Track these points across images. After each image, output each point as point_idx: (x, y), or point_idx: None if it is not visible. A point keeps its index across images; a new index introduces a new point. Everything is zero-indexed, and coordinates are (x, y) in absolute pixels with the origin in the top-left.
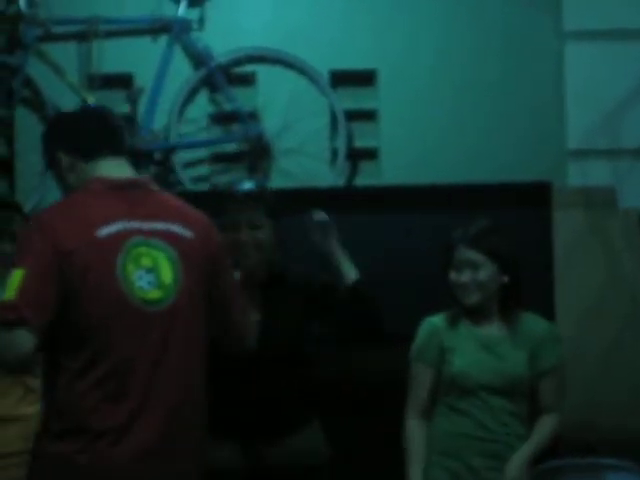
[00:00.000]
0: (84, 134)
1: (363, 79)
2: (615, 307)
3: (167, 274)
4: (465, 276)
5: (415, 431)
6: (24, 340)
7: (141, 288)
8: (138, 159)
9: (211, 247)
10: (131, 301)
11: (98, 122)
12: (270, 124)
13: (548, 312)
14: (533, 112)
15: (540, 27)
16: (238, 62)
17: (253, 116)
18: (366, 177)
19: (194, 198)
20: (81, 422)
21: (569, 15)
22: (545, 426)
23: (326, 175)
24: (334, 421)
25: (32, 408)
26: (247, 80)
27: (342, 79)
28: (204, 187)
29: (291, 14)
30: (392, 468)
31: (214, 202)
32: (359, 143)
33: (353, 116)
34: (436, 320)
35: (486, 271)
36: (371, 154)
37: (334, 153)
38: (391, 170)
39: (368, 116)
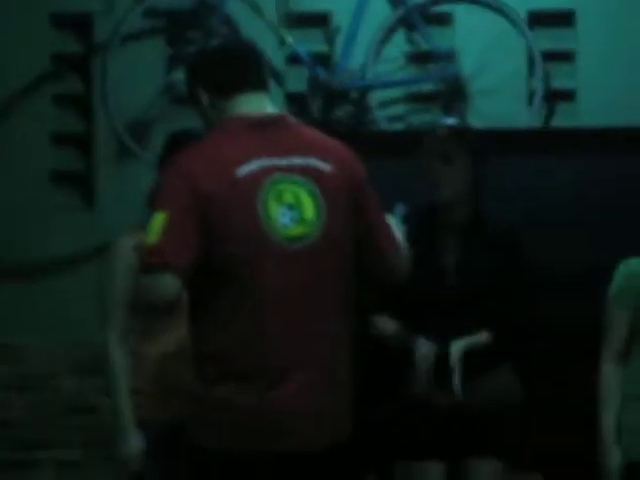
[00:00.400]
0: (222, 71)
1: (561, 19)
2: None
3: (309, 209)
4: None
5: (610, 376)
6: (168, 284)
7: (284, 225)
8: (334, 98)
9: (353, 179)
10: (274, 239)
11: (237, 58)
12: (467, 64)
13: None
14: None
15: None
16: (436, 1)
17: (450, 56)
18: (563, 118)
19: (390, 137)
20: (235, 365)
21: None
22: None
23: (523, 116)
24: (528, 366)
25: None
26: (444, 20)
27: (540, 19)
28: (399, 127)
29: None
30: (585, 413)
31: (412, 140)
32: (556, 84)
33: (550, 57)
34: (635, 263)
35: None
36: (568, 95)
37: (531, 94)
38: (589, 111)
39: (566, 57)
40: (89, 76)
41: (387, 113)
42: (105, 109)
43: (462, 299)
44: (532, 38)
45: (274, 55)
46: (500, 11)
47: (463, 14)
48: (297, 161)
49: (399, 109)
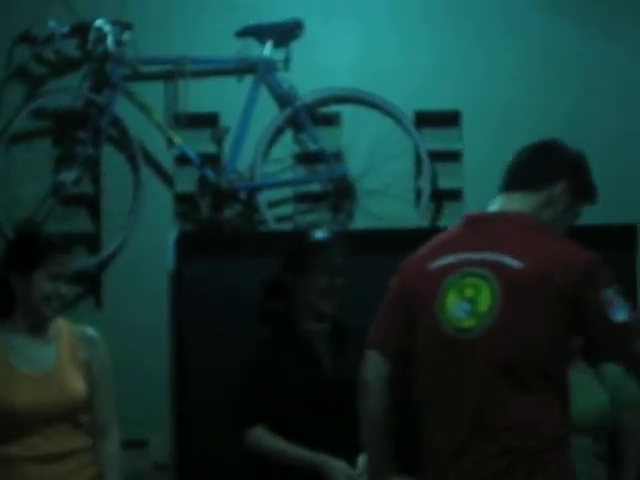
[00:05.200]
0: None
1: (447, 120)
2: None
3: (485, 303)
4: None
5: None
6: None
7: (458, 318)
8: (223, 198)
9: (557, 277)
10: (446, 331)
11: (523, 154)
12: (354, 165)
13: None
14: (619, 148)
15: (620, 59)
16: (323, 102)
17: (337, 156)
18: (450, 218)
19: (278, 237)
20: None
21: None
22: (626, 466)
23: (410, 216)
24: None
25: (81, 443)
26: (332, 120)
27: (426, 120)
28: (288, 226)
29: (376, 55)
30: None
31: (300, 242)
32: (443, 184)
33: (437, 157)
34: None
35: None
36: (455, 195)
37: (418, 194)
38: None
39: (452, 157)
40: None
41: (276, 213)
42: None
43: (345, 405)
44: (419, 138)
45: (163, 156)
46: (387, 111)
47: (350, 114)
48: (488, 256)
49: (287, 209)
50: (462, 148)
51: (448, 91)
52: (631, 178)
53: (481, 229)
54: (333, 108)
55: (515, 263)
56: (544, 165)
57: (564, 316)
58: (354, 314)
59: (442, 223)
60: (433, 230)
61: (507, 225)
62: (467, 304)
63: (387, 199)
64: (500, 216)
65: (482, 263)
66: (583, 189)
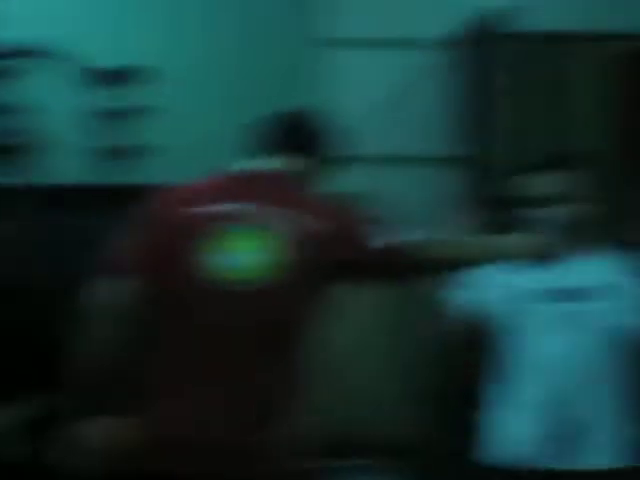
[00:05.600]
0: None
1: (132, 76)
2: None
3: (258, 258)
4: None
5: None
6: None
7: (228, 268)
8: None
9: (335, 237)
10: (207, 279)
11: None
12: (33, 119)
13: None
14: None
15: (296, 32)
16: (2, 55)
17: (17, 110)
18: (131, 175)
19: None
20: None
21: (336, 22)
22: None
23: (87, 172)
24: None
25: None
26: (12, 73)
27: (111, 76)
28: None
29: (61, 7)
30: None
31: None
32: (125, 140)
33: (117, 114)
34: None
35: None
36: (138, 152)
37: (97, 150)
38: (159, 168)
39: (134, 113)
40: None
41: None
42: None
43: None
44: (99, 94)
45: None
46: (68, 65)
47: (31, 67)
48: (270, 211)
49: None
50: (147, 104)
51: (134, 47)
52: None
53: (252, 184)
54: (13, 60)
55: (309, 223)
56: (301, 134)
57: (332, 276)
58: (25, 269)
59: (122, 180)
60: (111, 187)
61: (280, 184)
62: (242, 256)
63: (65, 154)
64: (270, 175)
65: (262, 218)
66: (333, 157)
